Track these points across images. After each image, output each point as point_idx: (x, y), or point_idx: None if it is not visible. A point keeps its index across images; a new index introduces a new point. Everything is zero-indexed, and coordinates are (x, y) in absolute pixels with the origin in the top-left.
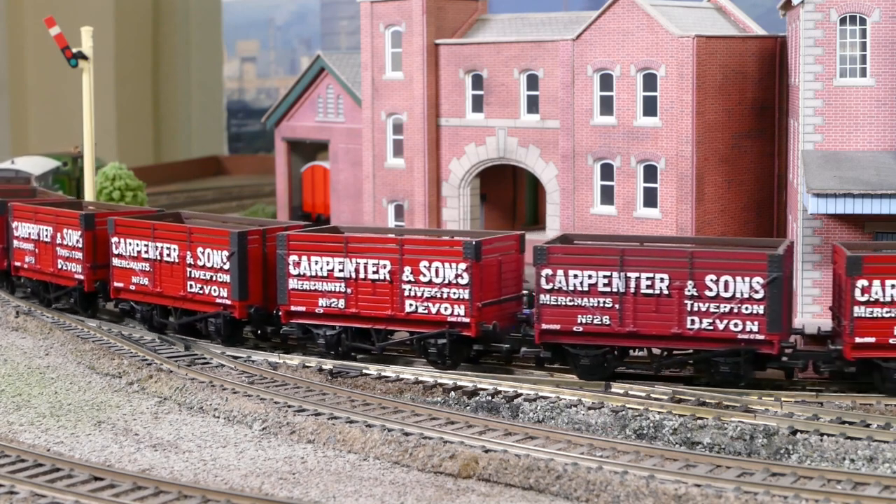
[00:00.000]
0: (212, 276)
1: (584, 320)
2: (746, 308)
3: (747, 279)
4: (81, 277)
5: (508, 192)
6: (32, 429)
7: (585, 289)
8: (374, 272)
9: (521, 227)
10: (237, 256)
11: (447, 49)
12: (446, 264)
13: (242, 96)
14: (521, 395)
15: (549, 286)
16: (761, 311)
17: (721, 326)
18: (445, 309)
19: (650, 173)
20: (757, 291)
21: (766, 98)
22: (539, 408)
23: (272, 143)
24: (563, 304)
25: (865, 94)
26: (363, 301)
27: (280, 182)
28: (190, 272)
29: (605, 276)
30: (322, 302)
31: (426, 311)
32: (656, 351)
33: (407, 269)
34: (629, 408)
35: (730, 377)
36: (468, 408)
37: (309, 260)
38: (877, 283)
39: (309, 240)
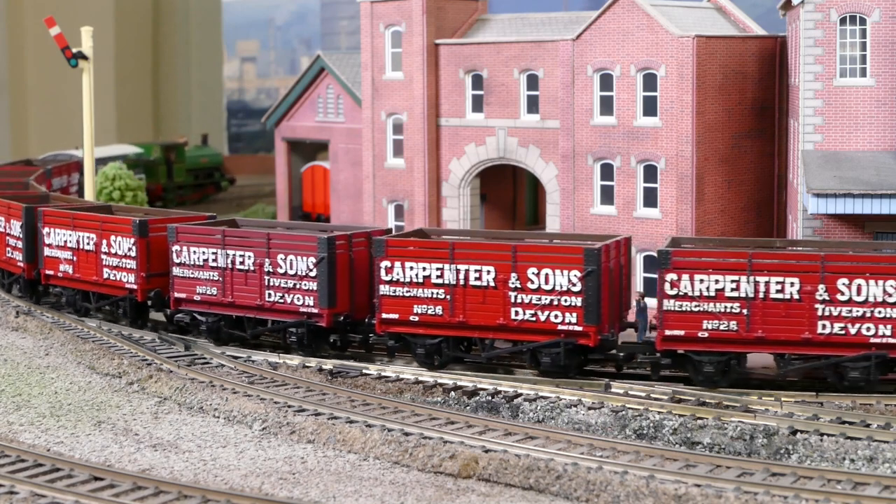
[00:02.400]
0: (16, 243)
1: (201, 291)
2: (305, 285)
3: (304, 258)
4: None
5: (508, 192)
6: (32, 429)
7: (201, 264)
8: (88, 244)
9: (521, 227)
10: (25, 227)
11: (447, 49)
12: (123, 239)
13: (242, 96)
14: (521, 395)
15: (179, 260)
16: (313, 288)
17: (289, 300)
18: (124, 277)
19: (650, 173)
20: (311, 270)
21: (766, 98)
22: (539, 408)
23: (272, 143)
24: (186, 276)
25: (865, 94)
26: (83, 268)
27: (280, 182)
28: (8, 240)
29: (212, 254)
30: (61, 268)
31: (115, 279)
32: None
33: (103, 243)
34: (629, 408)
35: (298, 345)
36: (468, 408)
37: (54, 232)
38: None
39: (55, 215)
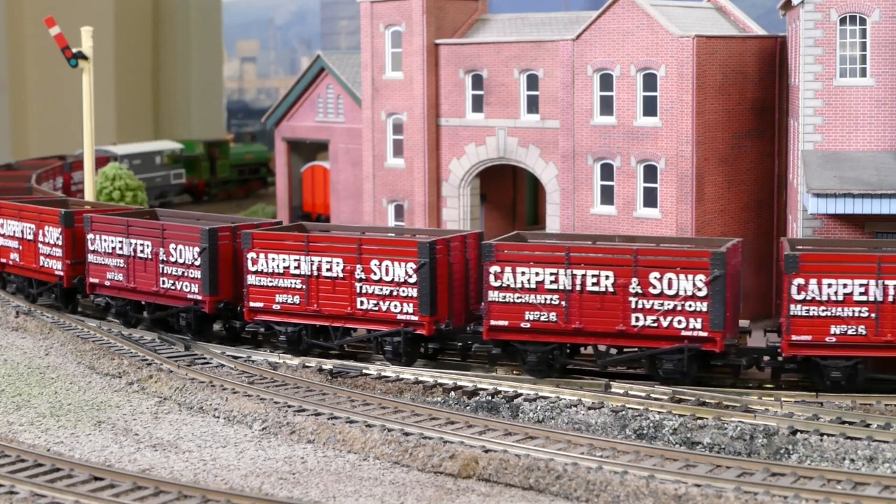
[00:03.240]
0: None
1: (110, 277)
2: (192, 273)
3: (191, 248)
4: None
5: (508, 192)
6: (32, 429)
7: (110, 252)
8: (29, 234)
9: (521, 227)
10: None
11: (447, 49)
12: (53, 229)
13: (242, 96)
14: (521, 395)
15: (93, 248)
16: (198, 277)
17: (179, 287)
18: (54, 265)
19: (650, 173)
20: (196, 260)
21: (766, 98)
22: (539, 408)
23: (272, 143)
24: (99, 263)
25: (865, 94)
26: (26, 256)
27: (280, 182)
28: None
29: (119, 243)
30: (11, 256)
31: (48, 266)
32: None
33: (40, 233)
34: (629, 408)
35: (187, 329)
36: (468, 408)
37: (7, 223)
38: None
39: (8, 208)
